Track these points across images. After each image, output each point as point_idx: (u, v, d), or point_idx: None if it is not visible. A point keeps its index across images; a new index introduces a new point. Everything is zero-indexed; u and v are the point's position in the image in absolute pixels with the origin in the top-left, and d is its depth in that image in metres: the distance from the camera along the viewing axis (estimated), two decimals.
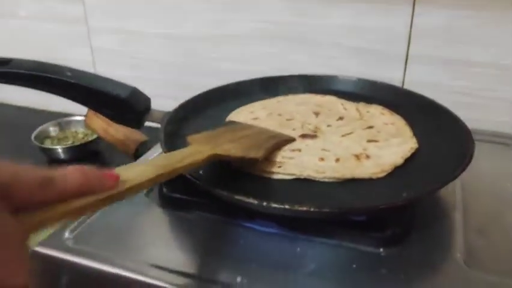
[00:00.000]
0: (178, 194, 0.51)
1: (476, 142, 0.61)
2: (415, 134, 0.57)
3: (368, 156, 0.51)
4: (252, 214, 0.48)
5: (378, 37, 0.77)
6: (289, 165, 0.50)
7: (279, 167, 0.50)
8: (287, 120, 0.61)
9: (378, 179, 0.49)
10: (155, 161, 0.39)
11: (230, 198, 0.44)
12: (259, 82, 0.71)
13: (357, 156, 0.51)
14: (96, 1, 0.94)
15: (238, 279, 0.41)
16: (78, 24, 0.97)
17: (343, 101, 0.66)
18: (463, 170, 0.47)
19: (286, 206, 0.42)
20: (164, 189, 0.52)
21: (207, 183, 0.47)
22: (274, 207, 0.42)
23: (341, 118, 0.61)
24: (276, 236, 0.47)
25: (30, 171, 0.27)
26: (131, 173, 0.34)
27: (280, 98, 0.68)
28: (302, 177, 0.49)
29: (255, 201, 0.43)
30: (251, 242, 0.46)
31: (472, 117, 0.72)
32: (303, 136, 0.56)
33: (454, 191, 0.54)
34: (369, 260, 0.44)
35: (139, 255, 0.45)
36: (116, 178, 0.32)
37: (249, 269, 0.43)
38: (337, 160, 0.51)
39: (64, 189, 0.28)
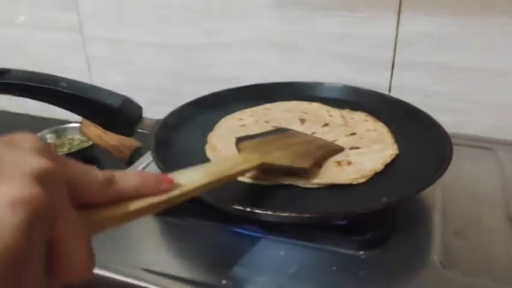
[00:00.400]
0: None
1: (459, 146, 0.63)
2: (397, 140, 0.59)
3: (349, 163, 0.53)
4: (239, 219, 0.50)
5: (365, 44, 0.79)
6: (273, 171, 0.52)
7: (263, 173, 0.52)
8: (273, 127, 0.63)
9: (360, 184, 0.51)
10: (207, 168, 0.40)
11: (217, 204, 0.46)
12: (249, 89, 0.73)
13: (339, 163, 0.53)
14: (90, 10, 0.96)
15: (223, 281, 0.43)
16: (73, 32, 0.99)
17: (329, 108, 0.68)
18: (441, 174, 0.48)
19: (269, 212, 0.44)
20: None
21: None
22: (258, 213, 0.44)
23: (326, 125, 0.63)
24: (261, 240, 0.49)
25: (94, 172, 0.28)
26: (183, 179, 0.35)
27: (269, 105, 0.70)
28: (285, 183, 0.51)
29: (240, 208, 0.44)
30: (237, 246, 0.48)
31: (456, 121, 0.75)
32: None
33: (435, 195, 0.56)
34: (349, 262, 0.46)
35: (131, 259, 0.47)
36: (171, 181, 0.33)
37: (234, 272, 0.45)
38: (319, 166, 0.53)
39: (123, 189, 0.30)
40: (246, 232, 0.50)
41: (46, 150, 0.25)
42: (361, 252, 0.47)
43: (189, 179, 0.35)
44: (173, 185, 0.33)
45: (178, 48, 0.91)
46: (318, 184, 0.50)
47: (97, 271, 0.46)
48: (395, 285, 0.44)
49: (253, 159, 0.47)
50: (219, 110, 0.68)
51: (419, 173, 0.51)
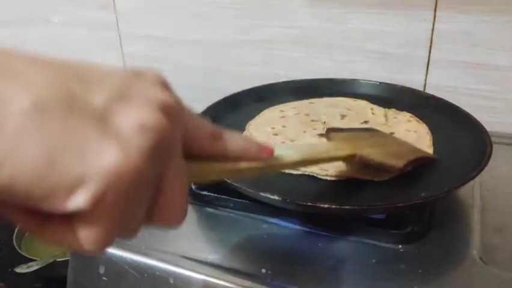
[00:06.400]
0: (207, 191, 0.54)
1: (497, 145, 0.62)
2: (434, 140, 0.58)
3: None
4: (277, 211, 0.50)
5: (401, 42, 0.79)
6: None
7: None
8: (312, 120, 0.64)
9: (396, 181, 0.51)
10: (300, 147, 0.40)
11: (256, 195, 0.47)
12: (284, 85, 0.74)
13: None
14: (127, 8, 0.98)
15: (263, 271, 0.44)
16: (110, 30, 1.01)
17: (373, 106, 0.67)
18: (480, 171, 0.48)
19: (309, 203, 0.44)
20: (194, 187, 0.55)
21: (233, 181, 0.49)
22: (297, 205, 0.45)
23: (365, 122, 0.63)
24: (299, 232, 0.49)
25: (205, 125, 0.28)
26: (279, 152, 0.35)
27: (314, 100, 0.71)
28: (306, 173, 0.52)
29: (279, 198, 0.45)
30: (275, 237, 0.49)
31: (492, 120, 0.74)
32: (321, 136, 0.59)
33: (473, 192, 0.56)
34: (388, 255, 0.46)
35: (171, 247, 0.49)
36: (271, 151, 0.33)
37: (273, 262, 0.45)
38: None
39: (228, 148, 0.30)
40: (284, 224, 0.50)
41: (169, 87, 0.26)
42: (400, 246, 0.47)
43: (285, 153, 0.36)
44: (273, 155, 0.33)
45: (213, 45, 0.93)
46: (338, 177, 0.50)
47: (137, 257, 0.48)
48: (434, 278, 0.44)
49: (345, 148, 0.46)
50: (255, 105, 0.69)
51: (458, 169, 0.51)
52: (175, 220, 0.26)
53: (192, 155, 0.28)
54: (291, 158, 0.36)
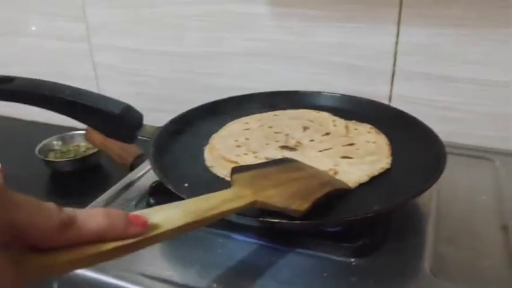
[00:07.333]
0: None
1: (457, 156, 0.64)
2: (394, 150, 0.59)
3: (336, 172, 0.53)
4: (231, 225, 0.50)
5: (366, 55, 0.80)
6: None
7: None
8: (275, 132, 0.64)
9: (353, 193, 0.51)
10: (188, 206, 0.35)
11: None
12: (250, 98, 0.75)
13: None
14: (98, 20, 0.98)
15: (215, 285, 0.44)
16: (81, 41, 1.01)
17: (335, 118, 0.68)
18: (432, 184, 0.49)
19: (260, 218, 0.45)
20: (152, 201, 0.55)
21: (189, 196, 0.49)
22: (249, 220, 0.45)
23: (327, 134, 0.64)
24: (253, 246, 0.50)
25: (48, 213, 0.25)
26: (160, 218, 0.31)
27: (278, 112, 0.71)
28: None
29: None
30: (229, 251, 0.49)
31: (453, 131, 0.76)
32: (283, 148, 0.59)
33: (430, 204, 0.57)
34: (340, 268, 0.46)
35: (128, 264, 0.48)
36: (144, 224, 0.29)
37: (225, 277, 0.46)
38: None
39: (83, 233, 0.26)
40: (239, 238, 0.51)
41: None
42: (352, 259, 0.47)
43: (167, 218, 0.31)
44: (146, 228, 0.29)
45: (183, 57, 0.93)
46: None
47: (95, 275, 0.48)
48: None
49: (245, 195, 0.42)
50: (219, 117, 0.70)
51: (413, 182, 0.51)
52: None
53: (45, 247, 0.25)
54: (175, 223, 0.32)
